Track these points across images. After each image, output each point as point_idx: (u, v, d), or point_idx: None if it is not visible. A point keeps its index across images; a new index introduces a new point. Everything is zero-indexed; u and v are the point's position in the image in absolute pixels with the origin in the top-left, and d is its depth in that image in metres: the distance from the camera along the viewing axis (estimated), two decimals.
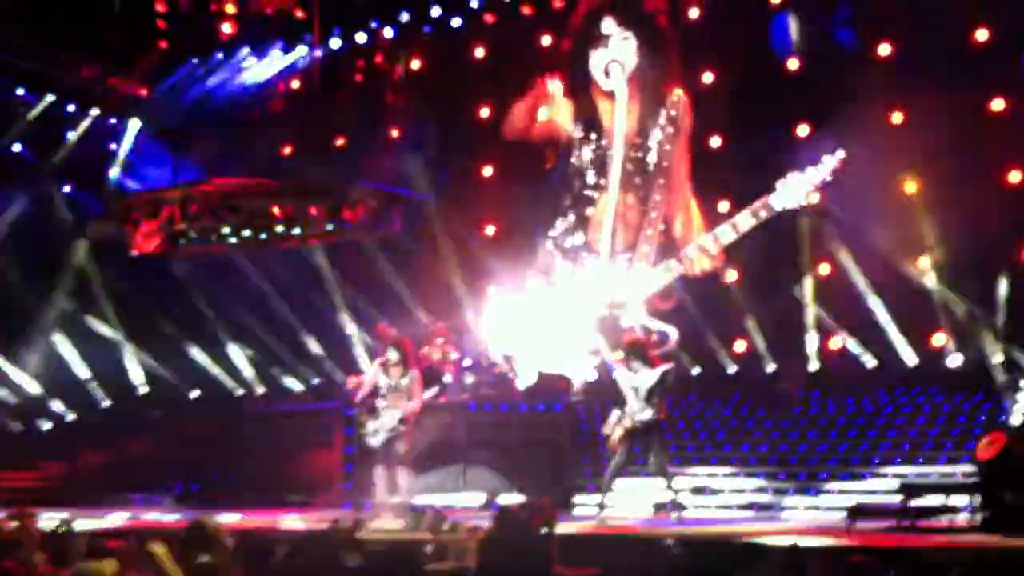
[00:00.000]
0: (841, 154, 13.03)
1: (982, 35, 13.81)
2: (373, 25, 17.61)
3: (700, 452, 14.18)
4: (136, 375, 18.46)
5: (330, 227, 15.84)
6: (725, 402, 15.06)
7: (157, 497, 16.08)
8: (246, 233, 15.91)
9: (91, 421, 18.33)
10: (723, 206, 14.46)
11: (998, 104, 13.74)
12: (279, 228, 15.91)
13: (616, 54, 14.71)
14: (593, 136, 15.05)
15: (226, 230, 15.83)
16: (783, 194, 13.33)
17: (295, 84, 18.28)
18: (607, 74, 14.71)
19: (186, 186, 16.36)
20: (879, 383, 14.50)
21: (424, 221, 16.64)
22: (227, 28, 18.00)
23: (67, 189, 18.68)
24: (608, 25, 14.79)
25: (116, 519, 12.73)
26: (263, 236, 15.98)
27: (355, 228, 15.89)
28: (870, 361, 14.69)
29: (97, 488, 15.93)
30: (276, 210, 15.72)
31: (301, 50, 18.18)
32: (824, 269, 14.75)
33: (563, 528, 8.68)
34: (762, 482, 13.37)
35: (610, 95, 14.81)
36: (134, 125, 18.44)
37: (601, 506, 11.65)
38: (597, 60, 14.83)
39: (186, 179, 17.09)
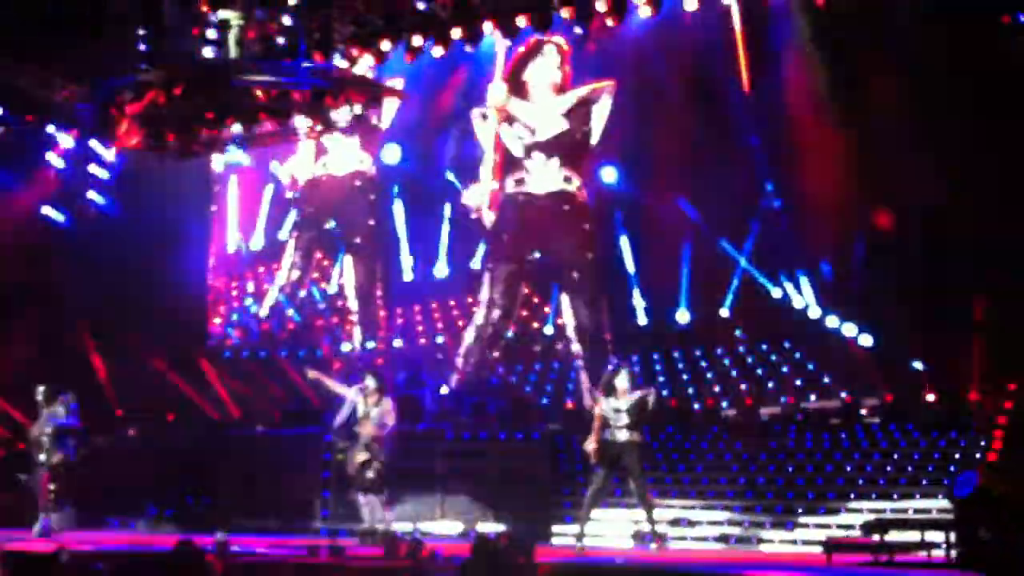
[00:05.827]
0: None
1: None
2: None
3: (678, 484, 14.20)
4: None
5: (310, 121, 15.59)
6: (702, 434, 15.12)
7: (131, 520, 15.94)
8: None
9: None
10: None
11: None
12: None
13: None
14: None
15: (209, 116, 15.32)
16: None
17: None
18: None
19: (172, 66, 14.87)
20: (855, 418, 14.62)
21: None
22: None
23: None
24: None
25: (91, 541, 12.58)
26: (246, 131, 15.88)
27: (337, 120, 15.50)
28: (846, 396, 14.83)
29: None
30: (259, 93, 14.99)
31: None
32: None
33: (542, 558, 8.69)
34: (739, 515, 13.40)
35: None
36: None
37: (580, 536, 11.65)
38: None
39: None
